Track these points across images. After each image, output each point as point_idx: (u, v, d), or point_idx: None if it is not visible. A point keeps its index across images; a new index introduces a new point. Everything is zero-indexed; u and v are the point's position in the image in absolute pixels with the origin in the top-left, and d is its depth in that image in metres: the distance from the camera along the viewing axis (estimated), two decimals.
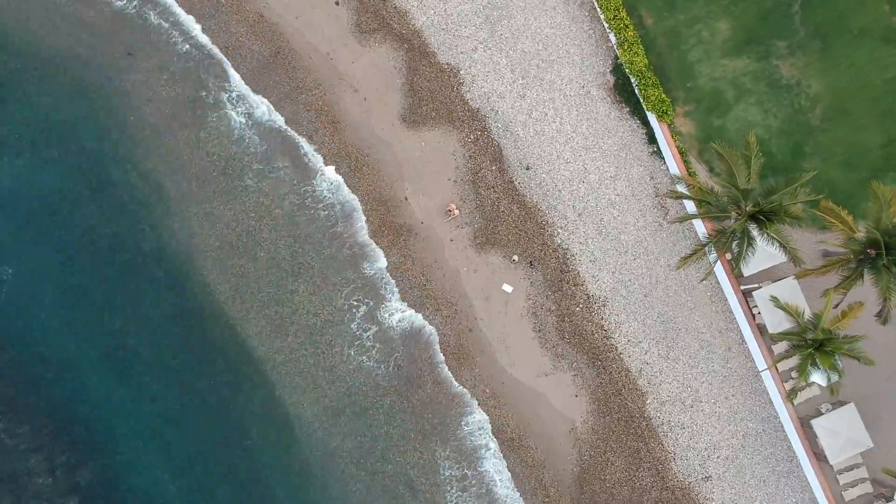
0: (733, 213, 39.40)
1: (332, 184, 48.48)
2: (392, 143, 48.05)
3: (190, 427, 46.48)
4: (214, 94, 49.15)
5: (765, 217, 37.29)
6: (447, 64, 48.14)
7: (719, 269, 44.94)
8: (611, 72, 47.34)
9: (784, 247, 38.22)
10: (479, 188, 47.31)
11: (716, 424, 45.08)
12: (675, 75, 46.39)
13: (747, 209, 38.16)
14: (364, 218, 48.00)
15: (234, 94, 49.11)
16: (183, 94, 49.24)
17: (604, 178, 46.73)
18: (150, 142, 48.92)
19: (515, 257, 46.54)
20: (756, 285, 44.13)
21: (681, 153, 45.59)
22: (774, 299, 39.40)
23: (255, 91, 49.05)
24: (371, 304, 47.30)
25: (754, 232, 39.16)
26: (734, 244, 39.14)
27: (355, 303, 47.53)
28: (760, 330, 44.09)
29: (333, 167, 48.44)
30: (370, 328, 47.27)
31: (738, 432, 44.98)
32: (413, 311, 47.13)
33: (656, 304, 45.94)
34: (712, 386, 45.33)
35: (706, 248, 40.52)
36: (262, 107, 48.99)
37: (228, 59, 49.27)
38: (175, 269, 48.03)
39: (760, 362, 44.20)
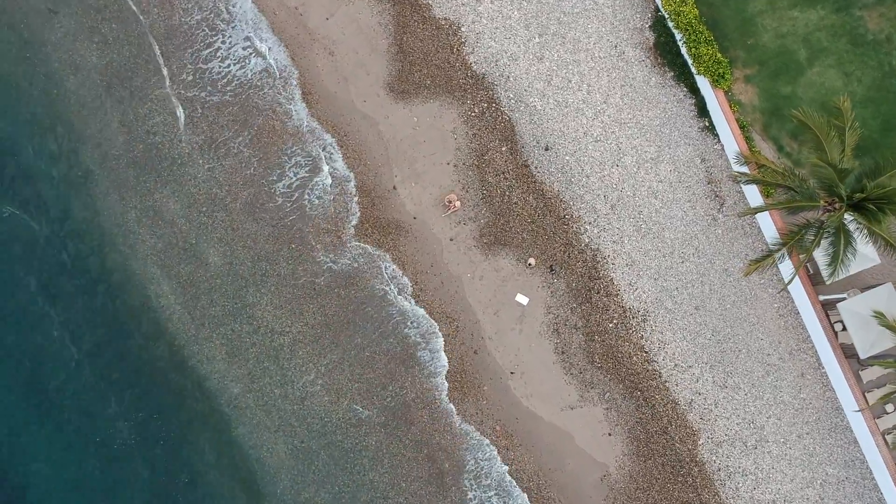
0: (822, 203, 29.88)
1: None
2: (376, 118, 38.55)
3: (121, 480, 36.92)
4: (155, 62, 39.48)
5: (874, 206, 27.68)
6: (445, 19, 38.55)
7: (789, 274, 35.35)
8: (650, 27, 37.71)
9: (894, 246, 28.70)
10: (486, 174, 37.79)
11: (786, 470, 35.61)
12: (733, 30, 36.77)
13: (846, 196, 28.59)
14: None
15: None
16: (117, 62, 39.55)
17: (643, 160, 37.16)
18: (76, 119, 39.32)
19: (532, 261, 37.03)
20: (840, 295, 34.60)
21: (741, 128, 35.98)
22: (880, 315, 29.80)
23: None
24: None
25: (850, 226, 29.70)
26: (826, 242, 29.59)
27: None
28: (845, 351, 34.56)
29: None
30: None
31: (814, 480, 35.50)
32: None
33: (710, 318, 36.41)
34: (781, 422, 35.87)
35: (783, 249, 30.90)
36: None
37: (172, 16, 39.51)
38: (107, 278, 38.59)
39: (844, 393, 34.66)
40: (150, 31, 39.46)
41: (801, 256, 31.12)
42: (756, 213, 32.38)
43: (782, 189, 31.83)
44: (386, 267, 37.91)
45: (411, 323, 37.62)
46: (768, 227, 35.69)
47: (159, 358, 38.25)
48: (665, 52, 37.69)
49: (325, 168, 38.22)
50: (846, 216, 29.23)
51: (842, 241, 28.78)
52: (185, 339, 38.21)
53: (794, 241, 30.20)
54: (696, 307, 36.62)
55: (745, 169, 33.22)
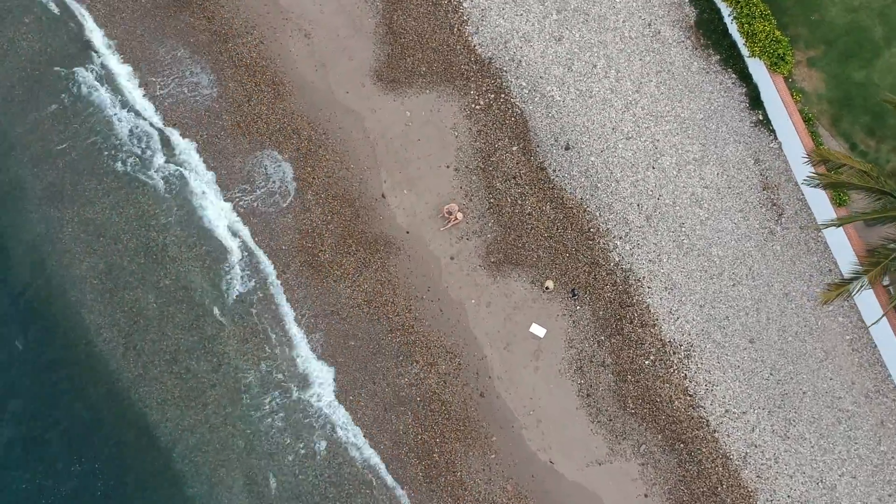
0: None
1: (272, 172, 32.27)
2: (362, 113, 32.11)
3: None
4: (83, 48, 33.03)
5: None
6: None
7: (866, 301, 28.79)
8: (690, 1, 31.26)
9: None
10: (494, 179, 31.24)
11: None
12: (793, 3, 30.39)
13: None
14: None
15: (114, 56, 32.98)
16: (42, 52, 33.11)
17: (684, 161, 30.62)
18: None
19: (549, 284, 30.39)
20: None
21: (806, 121, 29.40)
22: None
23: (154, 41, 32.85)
24: None
25: None
26: None
27: None
28: None
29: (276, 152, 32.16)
30: (328, 389, 31.07)
31: None
32: None
33: (768, 353, 29.77)
34: (857, 481, 29.19)
35: (875, 271, 24.26)
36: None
37: None
38: (34, 305, 31.88)
39: None
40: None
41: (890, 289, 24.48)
42: (842, 223, 25.73)
43: (867, 194, 25.25)
44: None
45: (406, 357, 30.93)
46: (839, 242, 29.13)
47: (98, 402, 31.50)
48: (709, 30, 31.30)
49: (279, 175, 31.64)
50: None
51: None
52: (131, 379, 31.48)
53: (888, 260, 23.56)
54: (751, 340, 29.97)
55: (810, 168, 26.71)
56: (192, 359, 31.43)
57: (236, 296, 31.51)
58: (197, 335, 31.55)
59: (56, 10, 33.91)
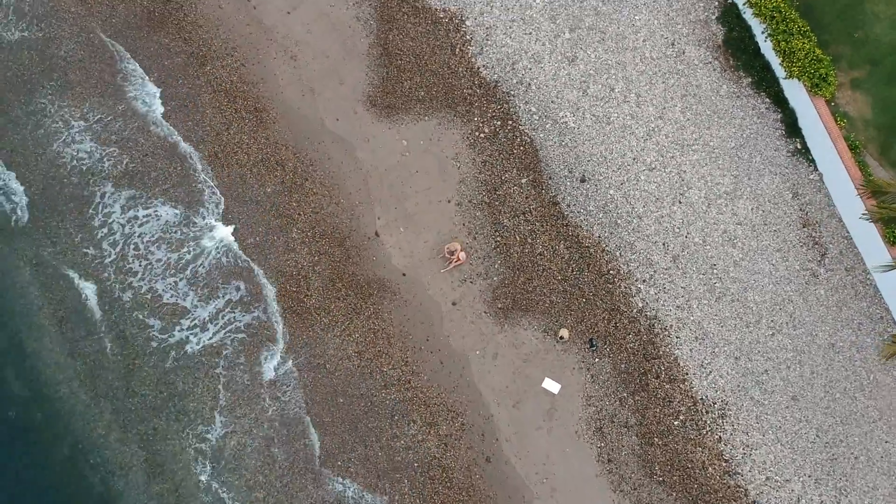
0: None
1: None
2: (353, 142, 29.01)
3: None
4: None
5: None
6: (444, 10, 29.41)
7: None
8: (718, 18, 28.32)
9: None
10: (501, 215, 27.96)
11: None
12: (833, 19, 27.36)
13: None
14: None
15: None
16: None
17: (714, 195, 27.38)
18: None
19: (564, 333, 26.93)
20: None
21: (852, 149, 26.12)
22: None
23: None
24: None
25: None
26: None
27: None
28: None
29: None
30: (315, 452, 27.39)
31: None
32: None
33: (814, 412, 26.21)
34: None
35: None
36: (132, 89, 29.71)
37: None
38: None
39: None
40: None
41: None
42: None
43: None
44: None
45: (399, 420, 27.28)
46: (893, 285, 25.67)
47: (55, 467, 27.78)
48: (739, 50, 28.26)
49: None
50: None
51: None
52: (92, 442, 27.80)
53: None
54: (794, 397, 26.37)
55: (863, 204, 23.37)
56: (160, 418, 27.76)
57: (204, 347, 27.96)
58: (166, 391, 27.93)
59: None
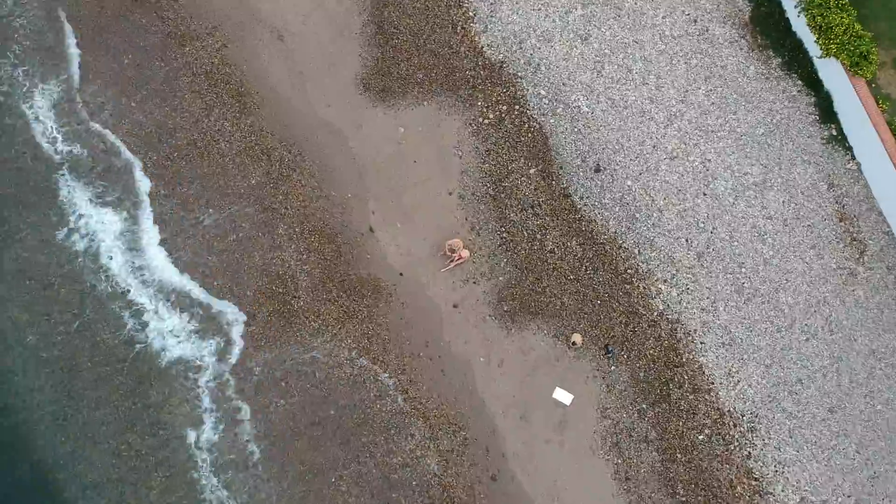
0: None
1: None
2: (346, 129, 26.91)
3: None
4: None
5: None
6: None
7: None
8: None
9: None
10: (507, 209, 25.65)
11: None
12: None
13: None
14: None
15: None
16: None
17: (742, 186, 25.07)
18: None
19: (576, 338, 24.62)
20: None
21: None
22: None
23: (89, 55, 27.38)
24: None
25: None
26: None
27: None
28: None
29: None
30: None
31: None
32: None
33: (853, 426, 23.94)
34: None
35: None
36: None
37: None
38: None
39: None
40: None
41: None
42: None
43: None
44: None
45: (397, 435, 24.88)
46: None
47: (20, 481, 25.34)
48: (768, 27, 26.01)
49: None
50: None
51: None
52: (60, 455, 25.33)
53: None
54: (831, 409, 23.99)
55: None
56: (133, 432, 25.29)
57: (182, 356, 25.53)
58: (140, 402, 25.45)
59: None
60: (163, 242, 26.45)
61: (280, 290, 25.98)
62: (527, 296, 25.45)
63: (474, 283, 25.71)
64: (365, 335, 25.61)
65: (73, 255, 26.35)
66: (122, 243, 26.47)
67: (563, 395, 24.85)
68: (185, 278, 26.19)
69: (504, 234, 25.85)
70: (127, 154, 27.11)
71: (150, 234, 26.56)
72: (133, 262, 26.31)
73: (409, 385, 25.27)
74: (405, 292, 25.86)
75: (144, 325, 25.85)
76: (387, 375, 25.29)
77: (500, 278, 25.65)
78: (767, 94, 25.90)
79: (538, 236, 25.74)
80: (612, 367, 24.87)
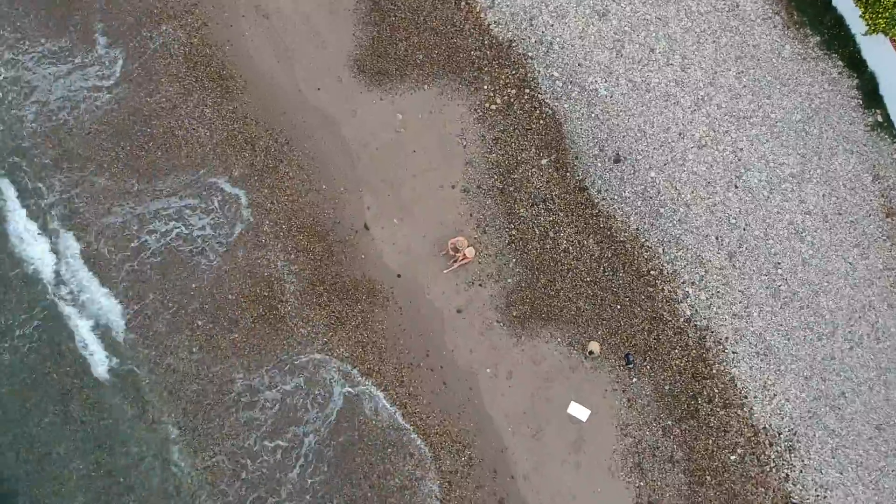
0: None
1: (219, 206, 24.04)
2: (338, 116, 24.51)
3: None
4: None
5: None
6: None
7: None
8: None
9: None
10: (517, 204, 23.18)
11: None
12: None
13: None
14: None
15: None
16: None
17: (778, 178, 22.62)
18: None
19: (594, 347, 22.23)
20: None
21: None
22: None
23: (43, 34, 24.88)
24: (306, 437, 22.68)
25: None
26: None
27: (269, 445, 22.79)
28: None
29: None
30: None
31: None
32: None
33: None
34: None
35: None
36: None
37: None
38: None
39: None
40: None
41: None
42: None
43: None
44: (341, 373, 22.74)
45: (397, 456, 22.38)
46: None
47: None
48: (805, 2, 23.41)
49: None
50: None
51: None
52: (21, 478, 22.82)
53: None
54: (879, 426, 21.57)
55: None
56: (104, 451, 22.79)
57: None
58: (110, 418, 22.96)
59: None
60: None
61: (265, 294, 23.46)
62: (538, 300, 22.96)
63: (480, 285, 23.21)
64: (359, 343, 23.13)
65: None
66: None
67: (578, 411, 22.39)
68: None
69: (513, 232, 23.36)
70: None
71: None
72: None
73: (408, 399, 22.80)
74: (403, 296, 23.36)
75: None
76: (383, 388, 22.78)
77: (509, 280, 23.15)
78: (805, 77, 23.41)
79: (551, 234, 23.22)
80: (634, 379, 22.38)
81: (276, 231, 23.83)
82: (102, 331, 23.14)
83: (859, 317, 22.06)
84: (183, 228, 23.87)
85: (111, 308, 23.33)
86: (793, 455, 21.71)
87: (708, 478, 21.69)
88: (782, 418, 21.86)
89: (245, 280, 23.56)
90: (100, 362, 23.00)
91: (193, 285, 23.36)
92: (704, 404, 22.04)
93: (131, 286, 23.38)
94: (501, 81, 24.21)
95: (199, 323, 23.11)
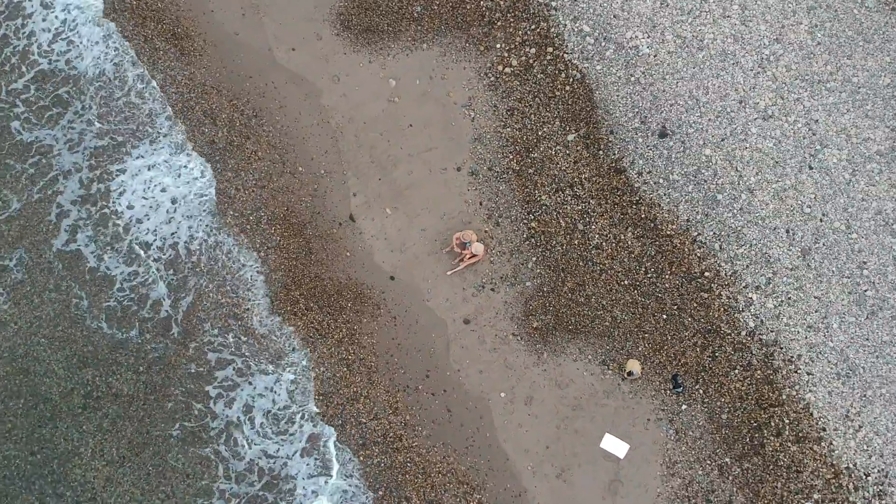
0: None
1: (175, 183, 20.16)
2: (317, 82, 21.44)
3: None
4: None
5: None
6: None
7: None
8: None
9: None
10: (537, 190, 19.80)
11: None
12: None
13: None
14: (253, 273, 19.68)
15: None
16: None
17: (861, 156, 19.39)
18: None
19: (633, 366, 18.90)
20: None
21: None
22: None
23: None
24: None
25: None
26: None
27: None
28: None
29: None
30: None
31: None
32: None
33: None
34: None
35: None
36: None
37: None
38: None
39: None
40: None
41: None
42: None
43: None
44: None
45: None
46: None
47: None
48: None
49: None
50: None
51: None
52: None
53: None
54: None
55: None
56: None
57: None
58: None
59: None
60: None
61: (230, 300, 19.50)
62: (564, 308, 19.21)
63: (492, 290, 19.39)
64: (344, 361, 19.28)
65: None
66: None
67: (615, 445, 18.57)
68: None
69: (533, 224, 19.63)
70: None
71: None
72: None
73: (404, 430, 18.91)
74: (398, 303, 19.50)
75: None
76: (371, 418, 18.85)
77: (528, 284, 19.36)
78: (893, 32, 19.53)
79: (579, 226, 19.44)
80: (683, 406, 18.57)
81: (242, 223, 20.01)
82: None
83: None
84: None
85: None
86: (883, 502, 17.86)
87: None
88: (870, 456, 18.05)
89: (205, 282, 19.60)
90: None
91: None
92: (772, 438, 18.24)
93: None
94: (518, 38, 20.50)
95: None
